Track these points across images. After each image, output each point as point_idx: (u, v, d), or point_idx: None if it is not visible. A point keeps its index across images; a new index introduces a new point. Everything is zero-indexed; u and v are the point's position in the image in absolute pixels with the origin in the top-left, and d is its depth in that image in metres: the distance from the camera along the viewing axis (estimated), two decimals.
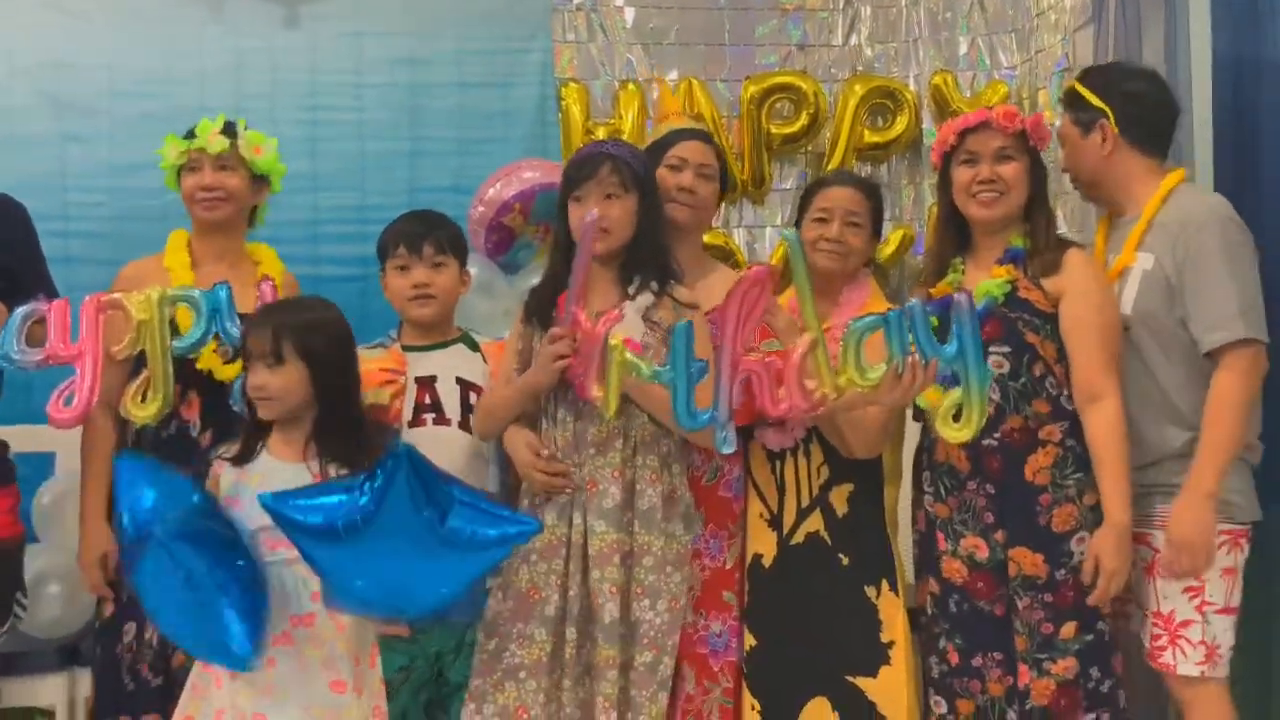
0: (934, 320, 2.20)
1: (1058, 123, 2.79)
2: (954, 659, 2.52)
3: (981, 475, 2.49)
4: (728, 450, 2.16)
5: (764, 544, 2.59)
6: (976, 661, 2.50)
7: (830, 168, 4.13)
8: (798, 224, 2.70)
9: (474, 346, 2.70)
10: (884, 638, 2.52)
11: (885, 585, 2.54)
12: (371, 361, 2.52)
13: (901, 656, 2.52)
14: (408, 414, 2.57)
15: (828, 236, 2.58)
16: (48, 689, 3.03)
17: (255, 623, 2.05)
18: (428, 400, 2.59)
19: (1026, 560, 2.44)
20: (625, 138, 3.79)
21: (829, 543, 2.55)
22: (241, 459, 2.22)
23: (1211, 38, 3.00)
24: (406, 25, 4.02)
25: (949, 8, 4.31)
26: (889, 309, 2.19)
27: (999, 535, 2.48)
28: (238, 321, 2.31)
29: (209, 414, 2.60)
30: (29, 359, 2.19)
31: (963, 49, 4.30)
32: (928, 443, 2.60)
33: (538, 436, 2.45)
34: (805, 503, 2.57)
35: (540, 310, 2.48)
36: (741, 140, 4.16)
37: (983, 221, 2.55)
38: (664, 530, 2.42)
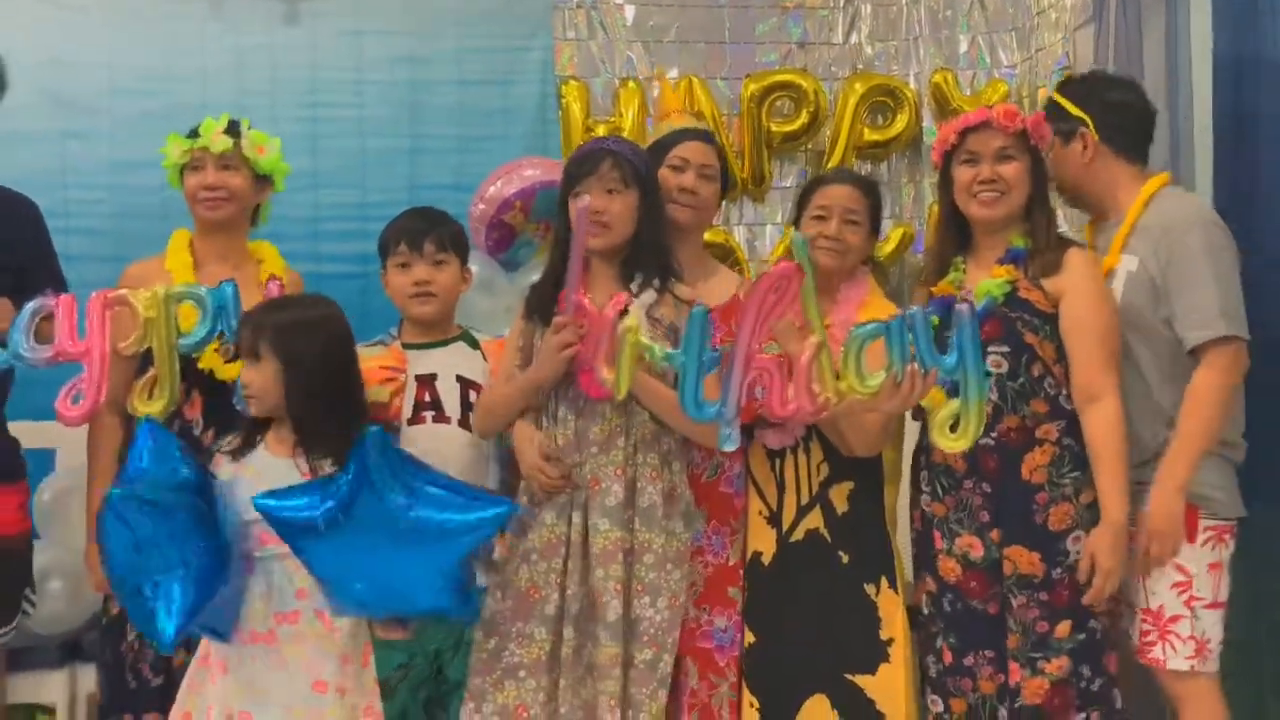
0: (934, 320, 2.20)
1: None
2: (948, 658, 2.53)
3: (978, 474, 2.49)
4: (730, 448, 2.14)
5: (763, 542, 2.59)
6: (969, 660, 2.51)
7: (830, 166, 4.14)
8: (796, 222, 2.71)
9: (474, 344, 2.70)
10: (883, 635, 2.52)
11: (885, 583, 2.54)
12: (372, 359, 2.52)
13: (900, 654, 2.52)
14: (408, 411, 2.57)
15: (826, 234, 2.58)
16: (49, 685, 3.05)
17: (189, 607, 2.05)
18: (428, 398, 2.59)
19: (1023, 559, 2.45)
20: (625, 135, 3.80)
21: (829, 540, 2.56)
22: (239, 453, 2.23)
23: (1212, 37, 3.01)
24: (407, 23, 4.03)
25: (949, 6, 4.32)
26: (891, 313, 2.19)
27: (994, 534, 2.48)
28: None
29: (211, 413, 2.60)
30: (38, 356, 2.20)
31: (963, 47, 4.31)
32: (926, 442, 2.61)
33: (550, 438, 2.44)
34: (805, 500, 2.57)
35: (541, 306, 2.48)
36: (742, 138, 4.16)
37: (983, 221, 2.56)
38: (664, 528, 2.42)
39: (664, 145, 2.69)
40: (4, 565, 2.61)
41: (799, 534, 2.57)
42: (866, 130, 4.22)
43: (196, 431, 2.61)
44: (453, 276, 2.64)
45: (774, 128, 4.17)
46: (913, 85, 4.29)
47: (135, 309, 2.25)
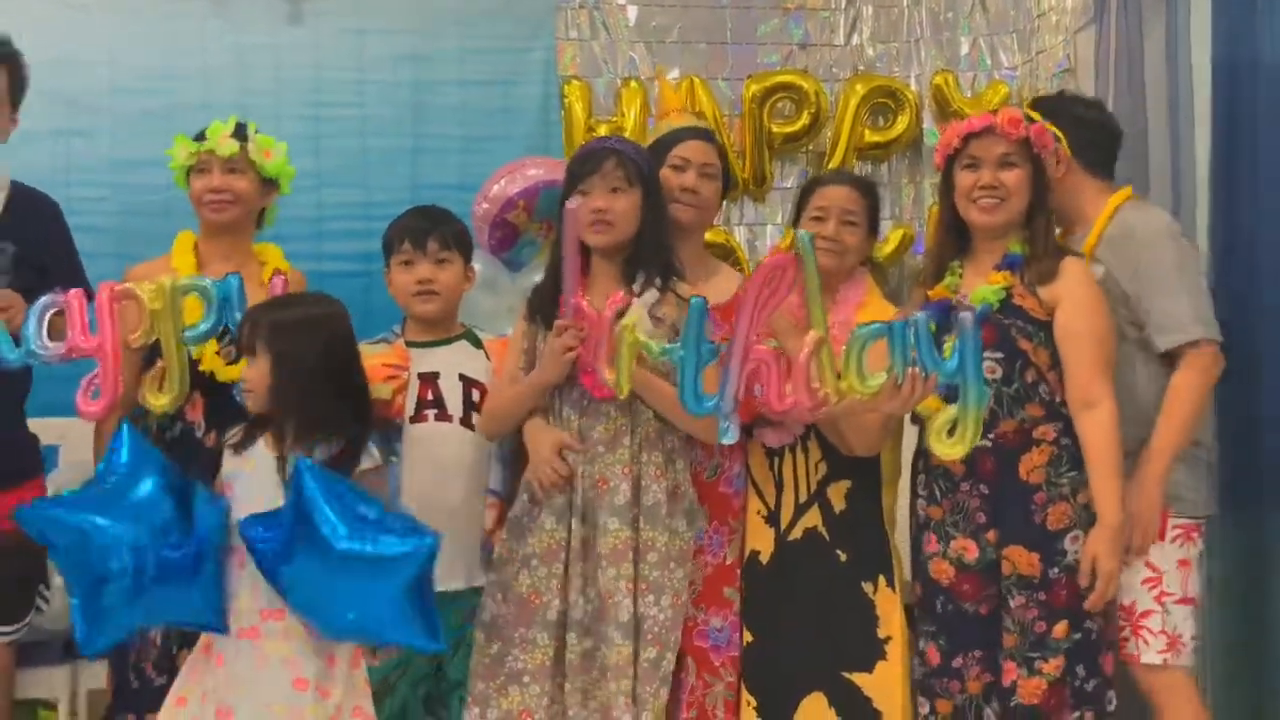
0: (931, 325, 2.21)
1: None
2: (936, 659, 2.53)
3: (975, 476, 2.50)
4: (729, 441, 2.14)
5: (761, 541, 2.60)
6: (957, 662, 2.51)
7: (831, 167, 4.14)
8: (795, 223, 2.72)
9: (477, 343, 2.71)
10: (880, 633, 2.53)
11: (882, 581, 2.55)
12: (375, 357, 2.53)
13: (898, 652, 2.53)
14: (410, 409, 2.57)
15: (824, 235, 2.58)
16: (52, 681, 3.04)
17: (102, 615, 2.07)
18: (430, 396, 2.60)
19: (1021, 559, 2.45)
20: (627, 135, 3.81)
21: (827, 539, 2.56)
22: (241, 446, 2.24)
23: (1212, 40, 3.02)
24: (410, 23, 4.04)
25: (950, 8, 4.33)
26: (889, 314, 2.20)
27: (990, 535, 2.48)
28: None
29: (213, 415, 2.60)
30: (51, 353, 2.20)
31: (964, 49, 4.32)
32: (924, 446, 2.61)
33: (573, 436, 2.43)
34: (803, 498, 2.58)
35: (544, 308, 2.48)
36: (743, 139, 4.17)
37: (983, 227, 2.56)
38: (668, 526, 2.43)
39: (664, 145, 2.69)
40: (22, 561, 2.62)
41: (797, 533, 2.58)
42: (867, 131, 4.23)
43: (199, 433, 2.62)
44: (456, 275, 2.65)
45: (775, 128, 4.18)
46: (914, 87, 4.30)
47: (142, 302, 2.26)
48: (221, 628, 2.15)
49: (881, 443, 2.55)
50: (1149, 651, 2.52)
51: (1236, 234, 2.94)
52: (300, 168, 2.91)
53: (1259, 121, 2.90)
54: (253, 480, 2.19)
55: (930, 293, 2.63)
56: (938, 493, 2.55)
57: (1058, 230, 2.77)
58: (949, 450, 2.15)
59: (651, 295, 2.44)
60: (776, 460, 2.60)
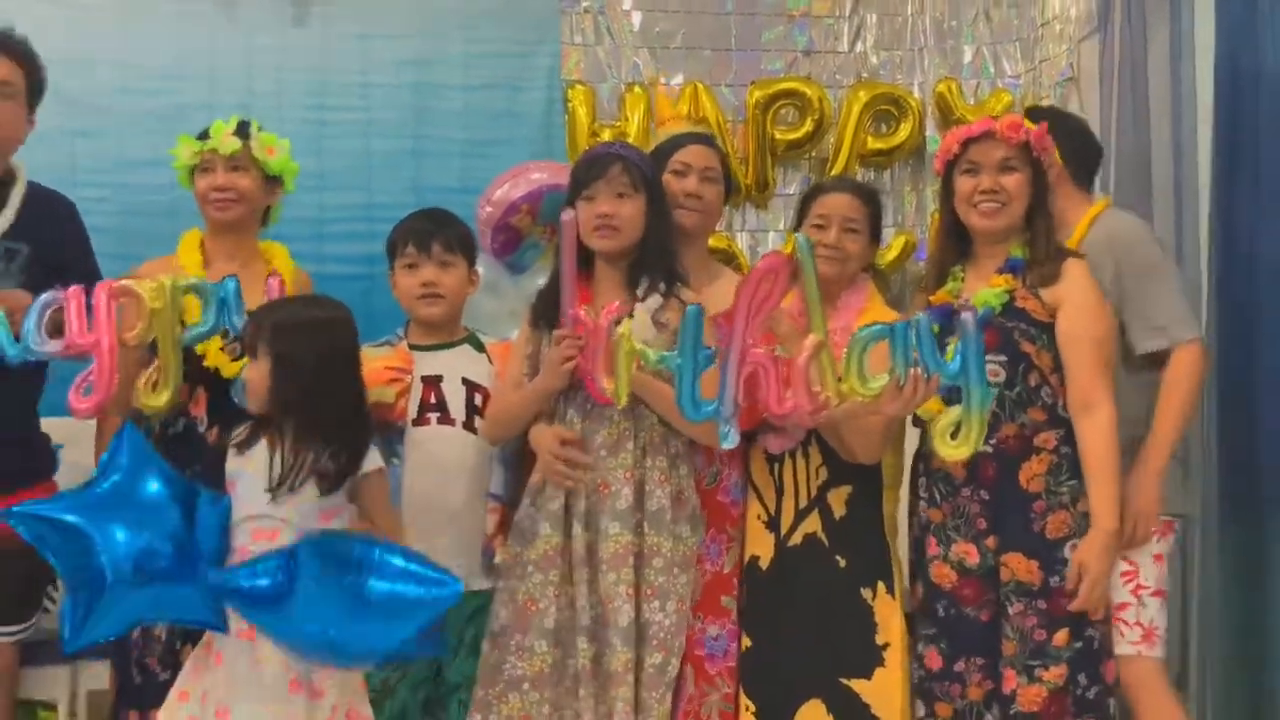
0: (934, 327, 2.21)
1: None
2: (937, 664, 2.53)
3: (976, 482, 2.50)
4: (729, 445, 2.14)
5: (761, 546, 2.59)
6: (959, 667, 2.51)
7: (834, 173, 4.15)
8: (796, 230, 2.71)
9: (480, 347, 2.71)
10: (879, 640, 2.53)
11: (882, 588, 2.55)
12: (378, 359, 2.53)
13: (896, 659, 2.52)
14: (412, 412, 2.58)
15: (825, 242, 2.58)
16: (52, 682, 3.04)
17: (91, 615, 2.07)
18: (433, 400, 2.60)
19: (1020, 566, 2.45)
20: (631, 140, 3.82)
21: (826, 544, 2.56)
22: (244, 445, 2.25)
23: (1216, 48, 3.03)
24: (414, 26, 4.04)
25: (954, 16, 4.34)
26: (894, 317, 2.20)
27: (990, 541, 2.49)
28: (244, 315, 2.34)
29: (216, 410, 2.60)
30: (49, 350, 2.20)
31: (967, 57, 4.33)
32: (925, 449, 2.61)
33: (568, 426, 2.45)
34: (803, 504, 2.58)
35: (547, 314, 2.48)
36: (746, 145, 4.18)
37: (983, 231, 2.57)
38: (672, 531, 2.43)
39: (665, 151, 2.70)
40: (30, 561, 2.60)
41: (797, 538, 2.57)
42: (870, 138, 4.24)
43: (201, 429, 2.62)
44: (460, 278, 2.65)
45: (778, 135, 4.18)
46: (917, 94, 4.30)
47: (141, 300, 2.26)
48: (222, 626, 2.15)
49: (883, 448, 2.55)
50: (1123, 643, 2.55)
51: (1238, 241, 2.95)
52: (303, 169, 2.91)
53: (1261, 130, 2.92)
54: (254, 480, 2.19)
55: (932, 298, 2.64)
56: (938, 496, 2.56)
57: None
58: (954, 452, 2.15)
59: (655, 300, 2.44)
60: (777, 465, 2.60)
